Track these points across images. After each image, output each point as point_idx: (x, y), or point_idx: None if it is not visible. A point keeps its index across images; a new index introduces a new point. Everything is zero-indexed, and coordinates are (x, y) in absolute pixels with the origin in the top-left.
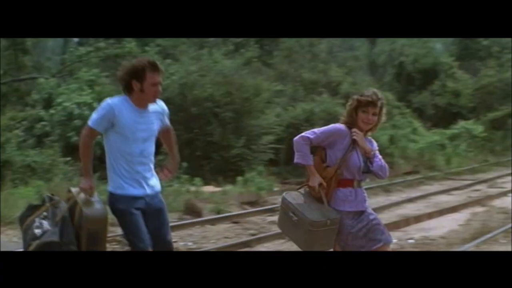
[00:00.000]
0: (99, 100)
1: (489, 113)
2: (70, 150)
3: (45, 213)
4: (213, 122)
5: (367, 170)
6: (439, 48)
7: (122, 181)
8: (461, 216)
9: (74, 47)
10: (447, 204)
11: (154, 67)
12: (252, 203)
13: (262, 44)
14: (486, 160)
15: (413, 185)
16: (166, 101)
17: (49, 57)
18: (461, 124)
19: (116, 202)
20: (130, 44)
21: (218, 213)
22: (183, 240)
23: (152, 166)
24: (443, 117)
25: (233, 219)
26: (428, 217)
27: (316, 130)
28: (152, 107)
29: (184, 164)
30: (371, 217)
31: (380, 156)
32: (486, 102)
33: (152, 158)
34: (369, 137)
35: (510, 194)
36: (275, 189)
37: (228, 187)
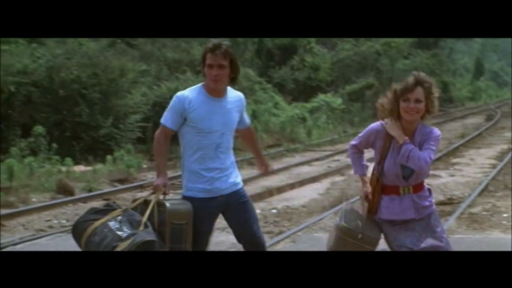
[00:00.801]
0: None
1: (347, 86)
2: None
3: (119, 217)
4: (81, 103)
5: (409, 174)
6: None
7: (196, 182)
8: (321, 186)
9: None
10: (308, 175)
11: (212, 47)
12: (122, 181)
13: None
14: (345, 131)
15: (276, 157)
16: (34, 85)
17: None
18: (321, 97)
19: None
20: None
21: (90, 191)
22: (57, 218)
23: (231, 161)
24: (303, 91)
25: (104, 197)
26: (290, 188)
27: (360, 133)
28: (231, 96)
29: (54, 145)
30: (428, 241)
31: (411, 146)
32: (343, 76)
33: (231, 152)
34: (424, 125)
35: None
36: (144, 166)
37: (98, 166)
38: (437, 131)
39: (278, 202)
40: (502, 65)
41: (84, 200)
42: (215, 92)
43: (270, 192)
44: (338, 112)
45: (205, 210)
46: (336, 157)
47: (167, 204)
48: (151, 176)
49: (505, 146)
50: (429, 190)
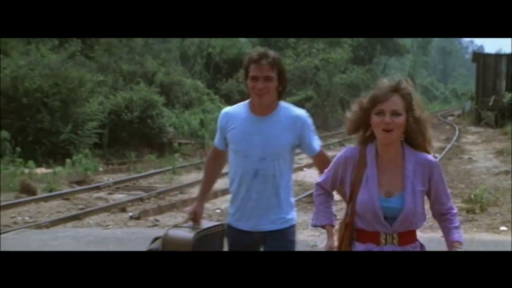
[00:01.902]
0: None
1: (288, 97)
2: None
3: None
4: (43, 111)
5: (394, 214)
6: (243, 40)
7: (232, 209)
8: None
9: None
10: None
11: (257, 57)
12: (80, 182)
13: (83, 39)
14: None
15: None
16: (0, 94)
17: None
18: None
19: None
20: None
21: (50, 191)
22: (21, 215)
23: (278, 194)
24: None
25: (64, 196)
26: None
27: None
28: (284, 114)
29: (18, 149)
30: None
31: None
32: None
33: (280, 182)
34: (410, 149)
35: (305, 169)
36: (100, 169)
37: (58, 168)
38: (435, 159)
39: (222, 203)
40: (432, 80)
41: (45, 199)
42: (260, 109)
43: (215, 194)
44: None
45: (236, 241)
46: None
47: (168, 231)
48: (106, 179)
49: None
50: (421, 245)
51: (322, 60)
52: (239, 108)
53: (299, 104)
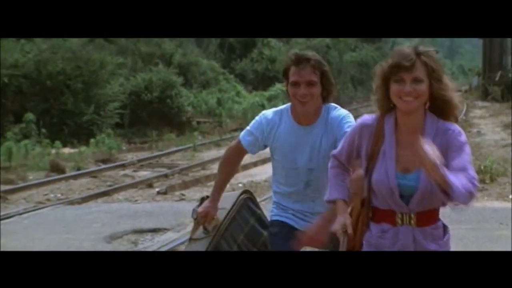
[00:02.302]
0: None
1: None
2: None
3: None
4: (66, 93)
5: (410, 192)
6: None
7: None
8: None
9: None
10: (268, 154)
11: (296, 60)
12: (105, 161)
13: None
14: None
15: (232, 141)
16: (24, 77)
17: None
18: (277, 86)
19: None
20: None
21: (78, 169)
22: (53, 192)
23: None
24: (262, 81)
25: (92, 174)
26: (254, 165)
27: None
28: (326, 119)
29: (43, 130)
30: None
31: (459, 163)
32: None
33: None
34: (433, 118)
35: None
36: (123, 148)
37: (83, 148)
38: (457, 127)
39: (243, 177)
40: (439, 56)
41: (74, 177)
42: (304, 117)
43: (242, 168)
44: None
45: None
46: None
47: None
48: (130, 157)
49: None
50: (444, 226)
51: (333, 39)
52: (281, 116)
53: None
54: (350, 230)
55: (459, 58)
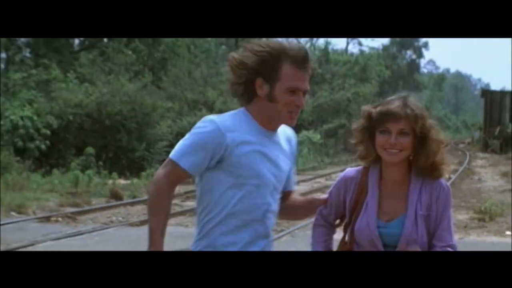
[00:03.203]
0: (38, 115)
1: (324, 125)
2: (17, 152)
3: None
4: (122, 131)
5: (393, 241)
6: None
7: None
8: None
9: (12, 73)
10: (297, 192)
11: (300, 55)
12: None
13: (153, 71)
14: (322, 160)
15: None
16: (86, 115)
17: None
18: (304, 133)
19: None
20: (55, 71)
21: (134, 197)
22: (115, 215)
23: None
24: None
25: (146, 202)
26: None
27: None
28: (281, 131)
29: (101, 163)
30: None
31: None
32: (322, 117)
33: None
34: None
35: None
36: None
37: (135, 180)
38: (444, 183)
39: None
40: (446, 112)
41: (131, 204)
42: (270, 123)
43: None
44: (317, 145)
45: None
46: (317, 180)
47: None
48: (177, 189)
49: (446, 176)
50: None
51: (354, 93)
52: (236, 120)
53: (333, 130)
54: None
55: (463, 114)
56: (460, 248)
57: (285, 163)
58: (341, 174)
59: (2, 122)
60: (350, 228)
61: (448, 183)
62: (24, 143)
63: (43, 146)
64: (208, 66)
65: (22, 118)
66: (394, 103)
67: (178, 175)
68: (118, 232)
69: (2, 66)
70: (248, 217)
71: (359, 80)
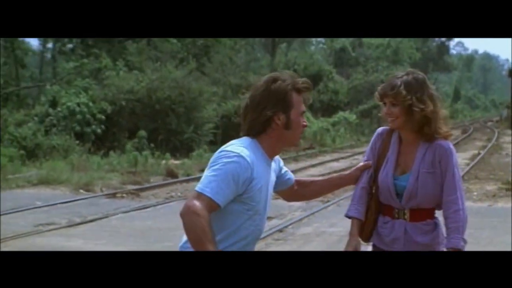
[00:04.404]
0: (93, 101)
1: (359, 106)
2: (76, 136)
3: None
4: (171, 115)
5: (401, 190)
6: (321, 59)
7: None
8: None
9: (64, 62)
10: (337, 168)
11: (307, 87)
12: None
13: (197, 58)
14: (358, 139)
15: (312, 156)
16: (137, 101)
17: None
18: (340, 114)
19: None
20: (106, 60)
21: (188, 175)
22: (173, 191)
23: None
24: (327, 109)
25: (199, 179)
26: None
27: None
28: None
29: (152, 145)
30: None
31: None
32: (356, 98)
33: None
34: (441, 142)
35: None
36: None
37: (185, 160)
38: (448, 144)
39: None
40: (475, 92)
41: (186, 181)
42: (275, 151)
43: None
44: (353, 125)
45: None
46: (355, 157)
47: None
48: None
49: (476, 151)
50: (436, 224)
51: (387, 75)
52: (254, 152)
53: (368, 111)
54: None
55: (491, 94)
56: (489, 213)
57: (272, 185)
58: (377, 130)
59: (59, 109)
60: (376, 177)
61: (451, 146)
62: (82, 128)
63: (99, 130)
64: (247, 52)
65: (78, 104)
66: (389, 79)
67: (212, 208)
68: (180, 205)
69: (49, 56)
70: (245, 243)
71: (391, 62)
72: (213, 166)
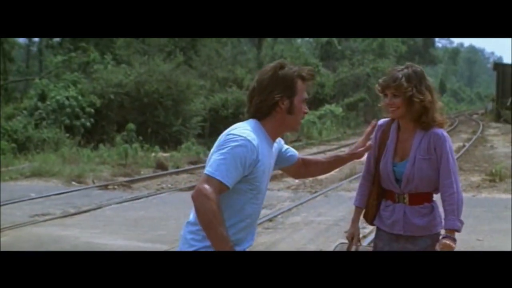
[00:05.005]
0: (82, 95)
1: (345, 98)
2: (65, 129)
3: None
4: (159, 108)
5: (399, 176)
6: (307, 52)
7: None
8: None
9: (52, 56)
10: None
11: (311, 74)
12: (194, 162)
13: (184, 52)
14: (345, 132)
15: (298, 149)
16: (126, 94)
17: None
18: (326, 107)
19: None
20: (94, 53)
21: (177, 167)
22: (164, 183)
23: None
24: (313, 102)
25: (189, 171)
26: None
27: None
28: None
29: (140, 138)
30: None
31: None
32: (343, 91)
33: None
34: (438, 131)
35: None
36: (208, 152)
37: (173, 153)
38: (442, 132)
39: None
40: (460, 85)
41: (176, 173)
42: (278, 134)
43: None
44: (339, 118)
45: None
46: (341, 149)
47: None
48: None
49: (461, 144)
50: (433, 207)
51: (373, 68)
52: (258, 135)
53: (354, 103)
54: (356, 241)
55: (477, 87)
56: (473, 202)
57: (271, 166)
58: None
59: (48, 102)
60: (377, 164)
61: (445, 134)
62: (71, 121)
63: (88, 124)
64: (233, 46)
65: (67, 98)
66: (390, 72)
67: (222, 191)
68: (171, 196)
69: (35, 49)
70: (250, 221)
71: (377, 55)
72: (221, 149)
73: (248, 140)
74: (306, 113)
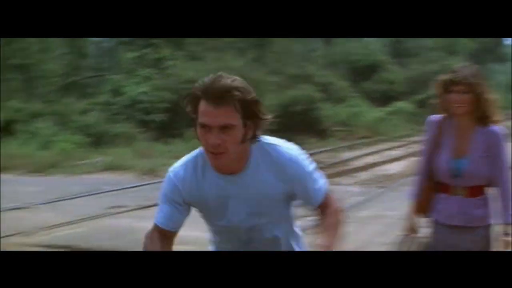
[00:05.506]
0: (155, 90)
1: (415, 95)
2: (138, 124)
3: None
4: None
5: (459, 172)
6: (378, 49)
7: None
8: (404, 162)
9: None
10: (394, 156)
11: (205, 90)
12: None
13: (256, 48)
14: (414, 128)
15: (368, 145)
16: None
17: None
18: (396, 104)
19: None
20: (167, 49)
21: None
22: None
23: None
24: (383, 99)
25: None
26: (383, 164)
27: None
28: (260, 161)
29: None
30: None
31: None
32: (412, 88)
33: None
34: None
35: None
36: None
37: None
38: (498, 129)
39: (378, 171)
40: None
41: None
42: (224, 168)
43: (372, 165)
44: (409, 115)
45: None
46: (410, 145)
47: None
48: None
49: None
50: (487, 199)
51: (442, 66)
52: (195, 166)
53: (424, 100)
54: (414, 231)
55: None
56: None
57: (269, 191)
58: (428, 119)
59: (121, 98)
60: (433, 159)
61: (501, 131)
62: (144, 116)
63: (160, 119)
64: (304, 43)
65: (141, 93)
66: (457, 70)
67: (162, 230)
68: None
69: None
70: (225, 236)
71: (447, 53)
72: None
73: (170, 172)
74: (212, 145)
